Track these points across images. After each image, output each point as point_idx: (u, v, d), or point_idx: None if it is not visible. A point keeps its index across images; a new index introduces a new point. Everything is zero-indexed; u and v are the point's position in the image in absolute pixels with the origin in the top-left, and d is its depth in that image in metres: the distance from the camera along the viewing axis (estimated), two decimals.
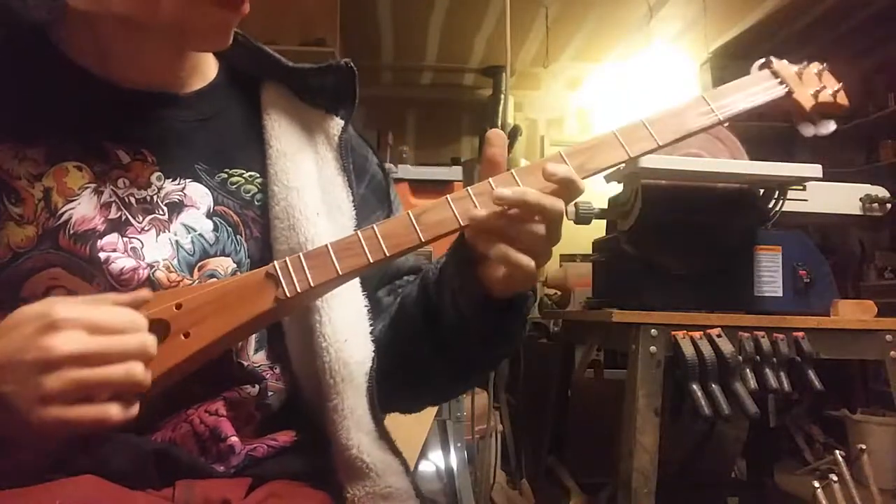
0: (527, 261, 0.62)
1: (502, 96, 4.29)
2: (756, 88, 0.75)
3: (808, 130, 0.79)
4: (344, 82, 0.78)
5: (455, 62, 4.62)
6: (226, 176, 0.73)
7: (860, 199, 1.83)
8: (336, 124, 0.79)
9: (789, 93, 0.76)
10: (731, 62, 4.18)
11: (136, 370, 0.54)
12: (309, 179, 0.75)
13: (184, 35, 0.68)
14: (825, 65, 0.80)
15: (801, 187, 1.73)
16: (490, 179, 0.65)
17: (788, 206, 1.73)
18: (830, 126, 0.79)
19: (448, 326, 0.72)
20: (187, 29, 0.67)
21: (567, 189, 0.64)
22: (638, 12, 3.80)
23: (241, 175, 0.74)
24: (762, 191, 1.76)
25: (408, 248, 0.64)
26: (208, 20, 0.67)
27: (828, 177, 1.68)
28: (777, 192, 1.72)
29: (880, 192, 1.83)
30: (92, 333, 0.53)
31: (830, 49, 4.19)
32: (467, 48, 4.39)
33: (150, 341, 0.56)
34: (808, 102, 0.77)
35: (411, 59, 4.57)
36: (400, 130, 4.75)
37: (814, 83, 0.78)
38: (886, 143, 4.16)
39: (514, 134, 4.34)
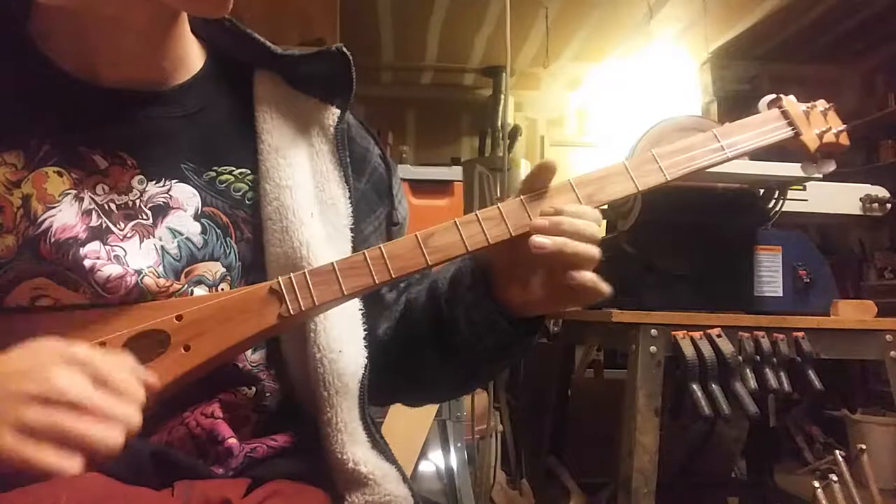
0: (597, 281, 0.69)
1: (502, 96, 4.28)
2: (766, 128, 0.78)
3: (809, 169, 0.84)
4: (338, 69, 0.74)
5: (455, 62, 4.61)
6: (214, 174, 0.70)
7: (860, 199, 1.84)
8: (331, 114, 0.75)
9: (797, 134, 0.79)
10: (731, 62, 4.18)
11: (116, 438, 0.51)
12: (303, 176, 0.72)
13: None
14: (832, 104, 0.83)
15: (801, 187, 1.73)
16: (499, 205, 0.67)
17: (788, 206, 1.73)
18: (831, 166, 0.83)
19: (459, 339, 0.72)
20: None
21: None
22: (638, 12, 3.80)
23: (230, 173, 0.71)
24: (762, 191, 1.76)
25: (414, 270, 0.66)
26: None
27: (828, 177, 1.68)
28: (777, 192, 1.72)
29: (880, 192, 1.84)
30: (95, 385, 0.52)
31: (830, 49, 4.20)
32: (467, 48, 4.39)
33: (137, 417, 0.54)
34: (813, 144, 0.80)
35: (411, 58, 4.56)
36: (400, 130, 4.75)
37: (820, 123, 0.81)
38: (886, 143, 4.16)
39: (513, 134, 4.34)
